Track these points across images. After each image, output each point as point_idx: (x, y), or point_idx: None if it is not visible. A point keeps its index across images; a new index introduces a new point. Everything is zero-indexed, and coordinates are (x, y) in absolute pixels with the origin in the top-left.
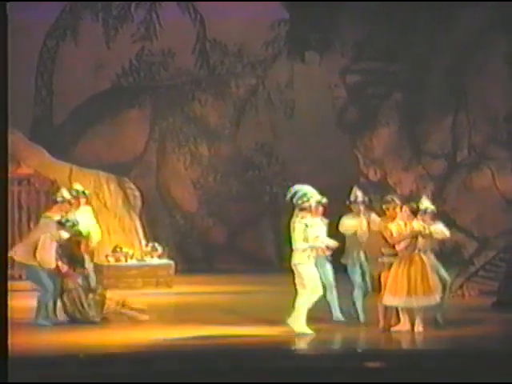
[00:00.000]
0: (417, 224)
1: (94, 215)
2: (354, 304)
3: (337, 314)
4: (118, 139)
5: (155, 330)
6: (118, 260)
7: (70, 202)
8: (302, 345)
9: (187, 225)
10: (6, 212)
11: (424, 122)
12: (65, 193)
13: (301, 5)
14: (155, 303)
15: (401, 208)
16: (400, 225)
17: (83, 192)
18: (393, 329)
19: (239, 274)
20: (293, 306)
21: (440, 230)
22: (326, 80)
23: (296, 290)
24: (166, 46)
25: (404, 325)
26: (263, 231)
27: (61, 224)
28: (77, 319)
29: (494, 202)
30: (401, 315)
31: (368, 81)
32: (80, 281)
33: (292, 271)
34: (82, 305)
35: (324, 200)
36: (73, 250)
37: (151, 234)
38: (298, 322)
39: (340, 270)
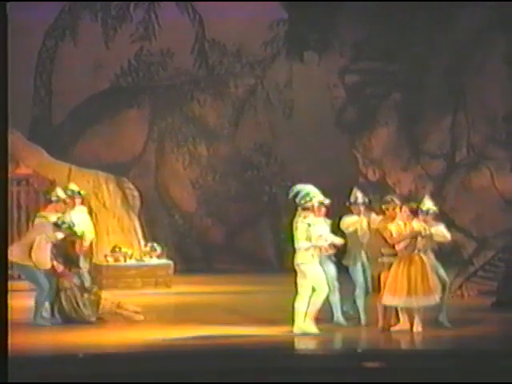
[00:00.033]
0: (416, 224)
1: (93, 215)
2: (354, 302)
3: (338, 316)
4: (117, 139)
5: (154, 329)
6: (116, 260)
7: (64, 202)
8: (301, 345)
9: (186, 225)
10: (6, 212)
11: (423, 121)
12: (60, 192)
13: (299, 5)
14: (154, 303)
15: (400, 208)
16: (400, 225)
17: (78, 192)
18: (393, 329)
19: (238, 274)
20: (292, 307)
21: (441, 232)
22: (324, 80)
23: (296, 290)
24: (165, 46)
25: (404, 324)
26: (262, 231)
27: (57, 226)
28: (72, 318)
29: (492, 201)
30: (400, 315)
31: (367, 81)
32: (75, 280)
33: (294, 271)
34: (78, 304)
35: (327, 201)
36: (67, 250)
37: (150, 234)
38: (298, 322)
39: (342, 270)
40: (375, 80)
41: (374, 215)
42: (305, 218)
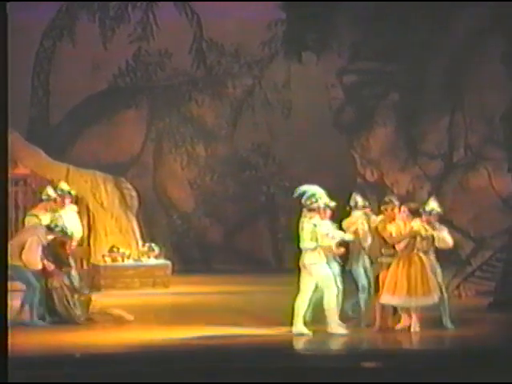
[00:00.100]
0: (416, 224)
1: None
2: (357, 303)
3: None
4: (115, 139)
5: (152, 330)
6: (114, 260)
7: (55, 201)
8: (300, 345)
9: (184, 225)
10: (6, 212)
11: (421, 122)
12: (50, 191)
13: (297, 5)
14: (152, 303)
15: (399, 208)
16: (399, 225)
17: (69, 192)
18: (397, 327)
19: (236, 274)
20: (292, 306)
21: (443, 238)
22: (322, 80)
23: (298, 288)
24: (163, 46)
25: (405, 322)
26: (260, 231)
27: (50, 229)
28: (63, 318)
29: (490, 202)
30: (401, 314)
31: (365, 81)
32: (65, 280)
33: (298, 270)
34: (69, 303)
35: (332, 203)
36: (57, 250)
37: (148, 235)
38: (298, 322)
39: (343, 271)
40: (373, 80)
41: (373, 217)
42: (310, 218)
